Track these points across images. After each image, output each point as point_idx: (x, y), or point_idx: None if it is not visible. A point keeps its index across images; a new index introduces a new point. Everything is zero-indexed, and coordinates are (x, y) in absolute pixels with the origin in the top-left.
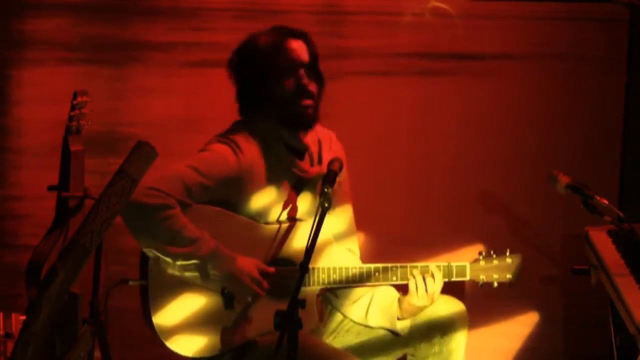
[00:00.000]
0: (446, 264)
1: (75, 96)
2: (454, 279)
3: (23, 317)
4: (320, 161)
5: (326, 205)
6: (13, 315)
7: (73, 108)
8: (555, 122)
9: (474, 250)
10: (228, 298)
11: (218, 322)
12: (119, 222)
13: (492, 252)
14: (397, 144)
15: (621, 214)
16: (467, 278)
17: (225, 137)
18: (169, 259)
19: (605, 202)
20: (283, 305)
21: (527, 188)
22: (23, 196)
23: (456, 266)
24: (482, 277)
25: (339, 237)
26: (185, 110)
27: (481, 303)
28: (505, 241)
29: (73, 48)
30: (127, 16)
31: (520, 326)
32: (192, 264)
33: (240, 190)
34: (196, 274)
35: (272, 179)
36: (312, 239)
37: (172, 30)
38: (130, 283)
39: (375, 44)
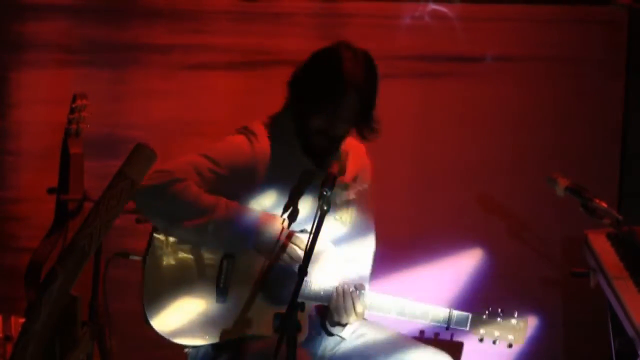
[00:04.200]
0: (447, 311)
1: (74, 99)
2: (452, 326)
3: (22, 320)
4: (343, 172)
5: (325, 208)
6: (12, 318)
7: (72, 111)
8: (555, 124)
9: (473, 254)
10: (222, 291)
11: (209, 314)
12: (118, 224)
13: (499, 310)
14: (396, 146)
15: (620, 217)
16: (467, 329)
17: (244, 127)
18: (187, 235)
19: (605, 205)
20: (276, 309)
21: (527, 191)
22: (22, 198)
23: (457, 315)
24: (482, 332)
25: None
26: (184, 113)
27: (480, 306)
28: (505, 243)
29: (72, 50)
30: (127, 19)
31: None
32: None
33: (252, 180)
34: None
35: (283, 176)
36: (310, 242)
37: (172, 32)
38: (131, 257)
39: (375, 46)
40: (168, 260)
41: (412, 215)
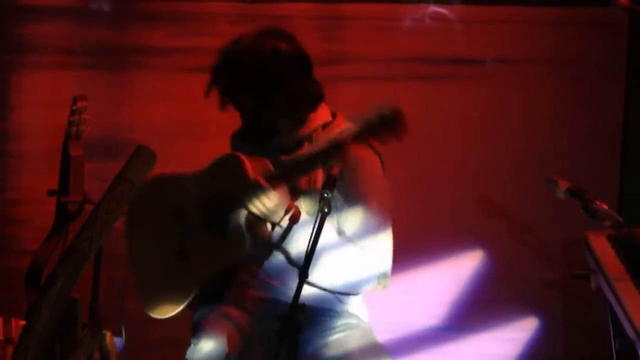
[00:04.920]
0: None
1: (75, 101)
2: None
3: (23, 322)
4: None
5: (326, 210)
6: (13, 320)
7: (73, 113)
8: (555, 126)
9: (474, 255)
10: (182, 250)
11: (175, 277)
12: (119, 226)
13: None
14: (396, 148)
15: (620, 219)
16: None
17: None
18: None
19: (605, 206)
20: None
21: (527, 192)
22: (23, 200)
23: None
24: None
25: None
26: (185, 115)
27: (480, 308)
28: (505, 245)
29: (73, 53)
30: (127, 21)
31: (520, 331)
32: None
33: None
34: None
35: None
36: (311, 245)
37: (172, 35)
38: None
39: (375, 49)
40: (143, 246)
41: (412, 216)
